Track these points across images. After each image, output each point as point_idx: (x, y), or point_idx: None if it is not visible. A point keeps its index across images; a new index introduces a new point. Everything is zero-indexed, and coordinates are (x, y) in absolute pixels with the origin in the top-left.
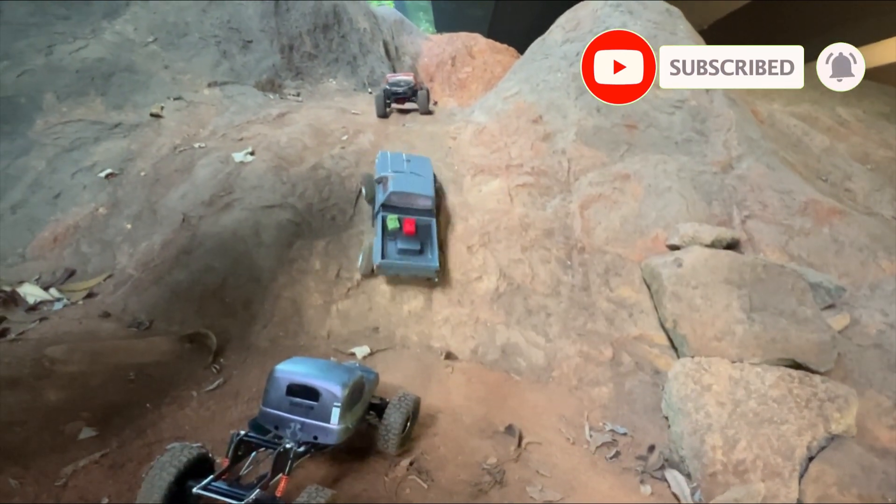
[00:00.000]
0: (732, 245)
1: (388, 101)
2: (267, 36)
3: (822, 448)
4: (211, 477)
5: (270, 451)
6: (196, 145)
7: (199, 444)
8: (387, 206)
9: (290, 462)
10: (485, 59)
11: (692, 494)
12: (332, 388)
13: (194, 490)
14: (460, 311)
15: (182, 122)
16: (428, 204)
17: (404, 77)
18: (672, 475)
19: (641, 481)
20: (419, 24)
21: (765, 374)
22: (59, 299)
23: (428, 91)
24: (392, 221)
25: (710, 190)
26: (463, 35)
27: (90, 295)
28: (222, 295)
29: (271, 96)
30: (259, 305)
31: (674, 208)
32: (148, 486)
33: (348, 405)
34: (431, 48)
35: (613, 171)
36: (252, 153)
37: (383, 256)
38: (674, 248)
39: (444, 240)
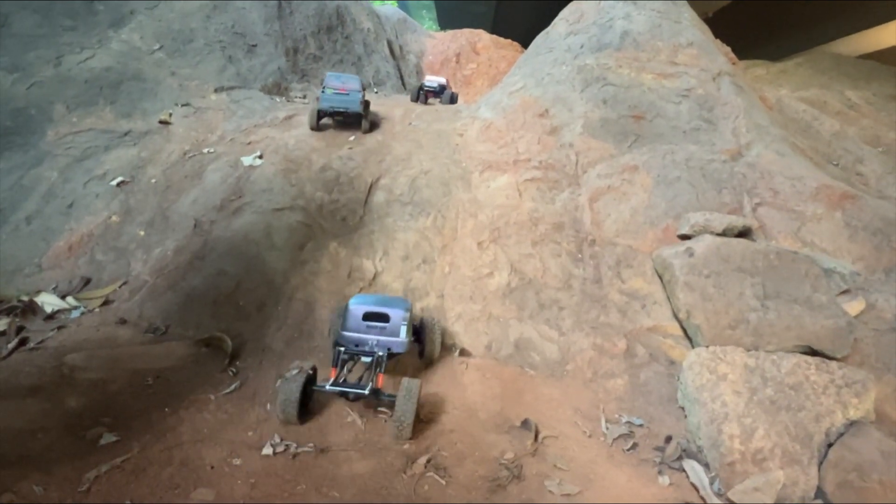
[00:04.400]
0: (744, 233)
1: (420, 93)
2: (271, 39)
3: (841, 434)
4: (332, 379)
5: (359, 359)
6: (205, 151)
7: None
8: (325, 89)
9: (384, 364)
10: (489, 54)
11: (711, 484)
12: (399, 312)
13: (326, 388)
14: (472, 307)
15: (190, 128)
16: (357, 86)
17: (438, 79)
18: (690, 465)
19: (659, 472)
20: (422, 22)
21: (780, 362)
22: (76, 308)
23: (452, 91)
24: (329, 90)
25: (720, 178)
26: (466, 31)
27: (106, 302)
28: (236, 298)
29: (278, 99)
30: (273, 308)
31: (684, 198)
32: (286, 389)
33: (409, 324)
34: (435, 46)
35: (622, 162)
36: (261, 157)
37: (323, 91)
38: (685, 237)
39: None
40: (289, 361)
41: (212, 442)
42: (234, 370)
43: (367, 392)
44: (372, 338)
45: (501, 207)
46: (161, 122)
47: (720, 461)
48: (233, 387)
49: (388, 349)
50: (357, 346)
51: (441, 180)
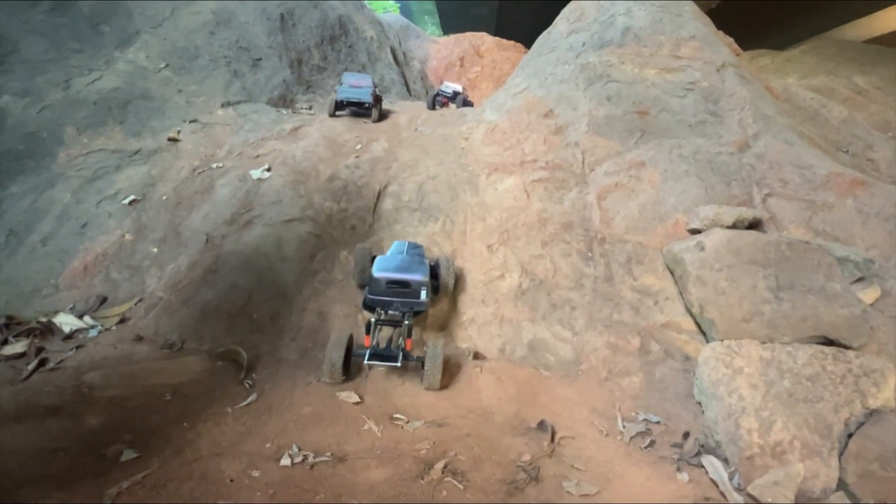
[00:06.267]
0: (755, 225)
1: (436, 99)
2: (275, 52)
3: (861, 424)
4: (369, 350)
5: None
6: (214, 166)
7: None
8: (342, 84)
9: (410, 330)
10: (493, 57)
11: (730, 479)
12: (419, 277)
13: (365, 362)
14: (485, 310)
15: (199, 144)
16: (369, 83)
17: (453, 86)
18: (709, 461)
19: (678, 469)
20: (425, 28)
21: (797, 353)
22: (93, 326)
23: (465, 97)
24: (345, 85)
25: (728, 171)
26: (469, 35)
27: (123, 320)
28: (250, 311)
29: (284, 111)
30: (286, 319)
31: (692, 192)
32: (332, 354)
33: (428, 287)
34: (439, 51)
35: (628, 159)
36: (269, 169)
37: (340, 86)
38: (695, 232)
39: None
40: (304, 372)
41: (230, 455)
42: (249, 382)
43: (398, 364)
44: (396, 300)
45: (510, 209)
46: (170, 139)
47: (739, 455)
48: (249, 399)
49: (412, 308)
50: (383, 306)
51: (448, 185)
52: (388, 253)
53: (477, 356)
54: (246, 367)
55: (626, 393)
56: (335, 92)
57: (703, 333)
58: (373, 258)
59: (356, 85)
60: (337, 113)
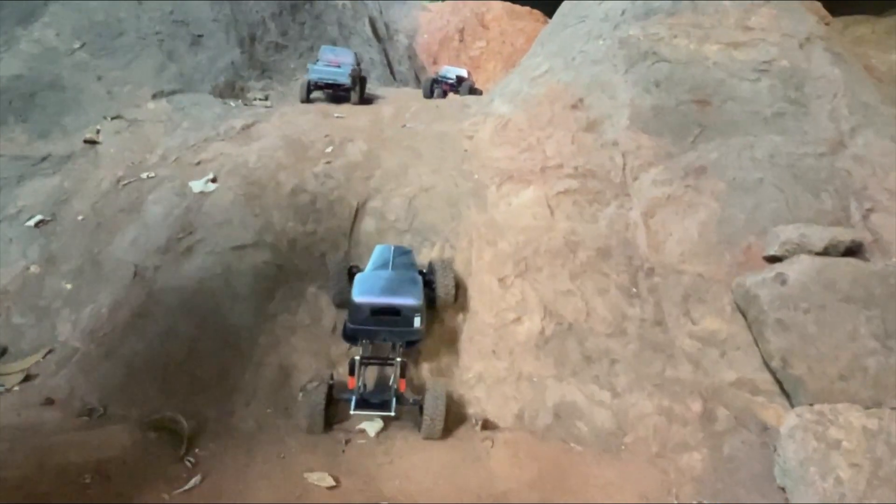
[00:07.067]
0: (854, 250)
1: (435, 86)
2: (221, 27)
3: None
4: (355, 395)
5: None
6: (144, 176)
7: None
8: (317, 62)
9: (404, 368)
10: (502, 28)
11: None
12: (411, 301)
13: (351, 412)
14: (497, 364)
15: (124, 148)
16: (350, 59)
17: (456, 69)
18: None
19: None
20: None
21: None
22: None
23: (472, 83)
24: (320, 63)
25: (817, 178)
26: (471, 2)
27: (28, 378)
28: (191, 366)
29: (233, 104)
30: (238, 376)
31: (769, 207)
32: (311, 401)
33: (423, 309)
34: (432, 21)
35: (684, 163)
36: (214, 180)
37: (315, 64)
38: (774, 259)
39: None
40: (263, 446)
41: None
42: (191, 460)
43: (392, 413)
44: (383, 329)
45: (528, 231)
46: (87, 141)
47: None
48: (192, 482)
49: (404, 339)
50: (368, 337)
51: (447, 199)
52: (369, 266)
53: (487, 425)
54: (187, 440)
55: (686, 475)
56: (307, 71)
57: (787, 395)
58: (351, 272)
59: (333, 62)
60: (311, 98)
